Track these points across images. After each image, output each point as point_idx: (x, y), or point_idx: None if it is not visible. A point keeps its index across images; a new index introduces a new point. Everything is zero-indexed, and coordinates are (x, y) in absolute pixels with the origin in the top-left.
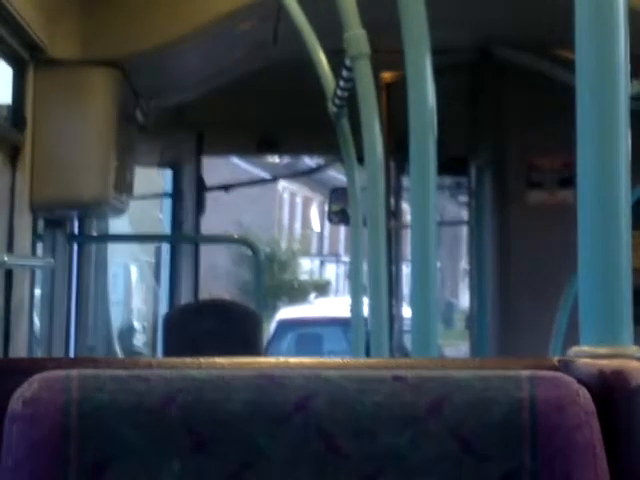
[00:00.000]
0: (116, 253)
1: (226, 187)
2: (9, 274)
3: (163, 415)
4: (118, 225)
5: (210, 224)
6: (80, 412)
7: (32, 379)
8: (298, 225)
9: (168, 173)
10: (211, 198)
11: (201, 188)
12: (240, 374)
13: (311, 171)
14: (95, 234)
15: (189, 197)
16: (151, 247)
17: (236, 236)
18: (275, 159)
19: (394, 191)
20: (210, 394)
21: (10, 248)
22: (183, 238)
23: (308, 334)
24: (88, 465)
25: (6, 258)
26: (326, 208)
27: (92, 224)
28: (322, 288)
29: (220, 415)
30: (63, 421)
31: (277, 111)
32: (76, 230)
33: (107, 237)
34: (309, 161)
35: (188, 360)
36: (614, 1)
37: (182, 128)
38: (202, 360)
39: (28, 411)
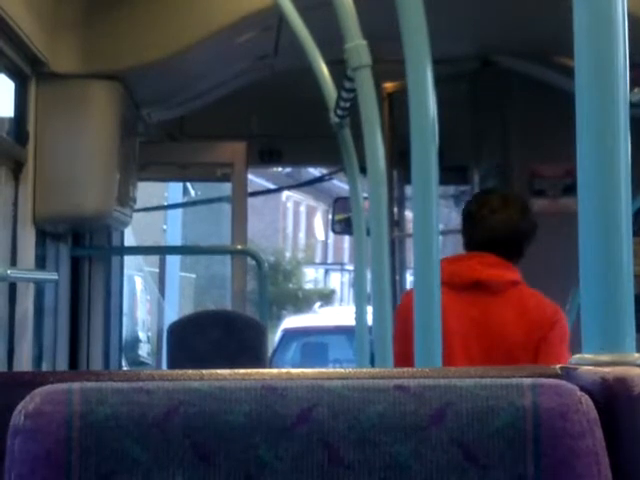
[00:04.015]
0: None
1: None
2: (13, 288)
3: (165, 427)
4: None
5: (214, 235)
6: (82, 425)
7: (34, 393)
8: (302, 234)
9: (173, 185)
10: (214, 209)
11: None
12: (242, 385)
13: (315, 181)
14: (113, 246)
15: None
16: (155, 258)
17: (239, 247)
18: (277, 168)
19: (397, 200)
20: (212, 406)
21: (13, 262)
22: (187, 250)
23: (313, 343)
24: (91, 478)
25: (9, 272)
26: (330, 217)
27: (103, 237)
28: (327, 297)
29: (222, 427)
30: (65, 434)
31: (279, 122)
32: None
33: (110, 250)
34: (312, 170)
35: (190, 372)
36: (613, 7)
37: (184, 140)
38: (204, 372)
39: (30, 425)
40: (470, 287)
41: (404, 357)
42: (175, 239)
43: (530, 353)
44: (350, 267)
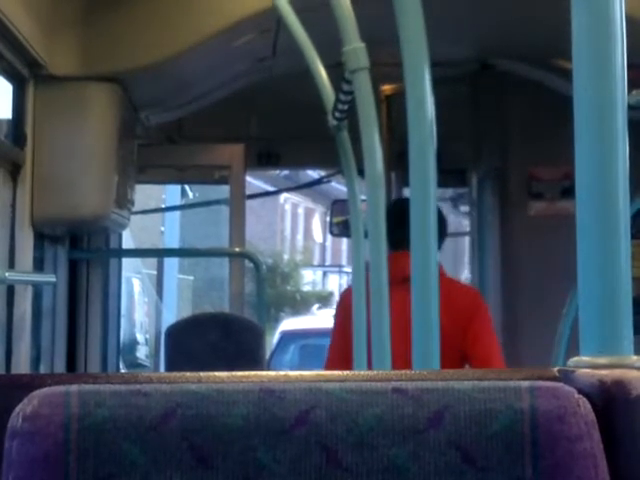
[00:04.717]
0: None
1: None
2: (10, 290)
3: (163, 430)
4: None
5: (212, 237)
6: (80, 428)
7: (32, 395)
8: (300, 236)
9: (171, 187)
10: (212, 211)
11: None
12: (240, 388)
13: (313, 183)
14: (111, 249)
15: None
16: (153, 260)
17: (237, 249)
18: (275, 170)
19: None
20: (210, 408)
21: (11, 264)
22: (185, 252)
23: (311, 345)
24: None
25: (7, 274)
26: (328, 219)
27: (101, 239)
28: (325, 299)
29: (220, 429)
30: (63, 437)
31: (277, 124)
32: (81, 245)
33: (108, 252)
34: (311, 172)
35: (188, 374)
36: (612, 9)
37: (182, 142)
38: (202, 374)
39: (28, 427)
40: (400, 282)
41: (339, 350)
42: (173, 241)
43: (457, 338)
44: (348, 269)
